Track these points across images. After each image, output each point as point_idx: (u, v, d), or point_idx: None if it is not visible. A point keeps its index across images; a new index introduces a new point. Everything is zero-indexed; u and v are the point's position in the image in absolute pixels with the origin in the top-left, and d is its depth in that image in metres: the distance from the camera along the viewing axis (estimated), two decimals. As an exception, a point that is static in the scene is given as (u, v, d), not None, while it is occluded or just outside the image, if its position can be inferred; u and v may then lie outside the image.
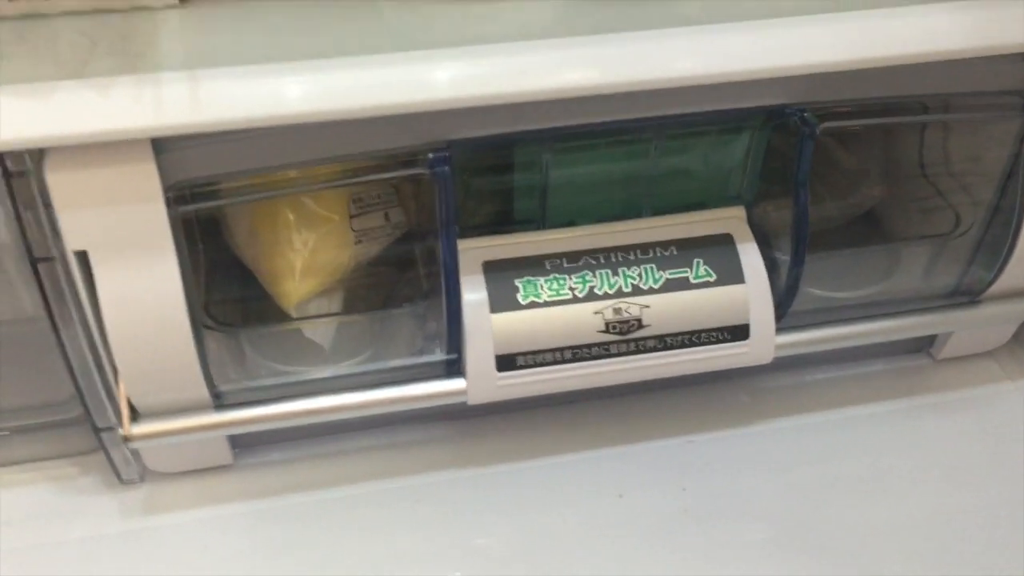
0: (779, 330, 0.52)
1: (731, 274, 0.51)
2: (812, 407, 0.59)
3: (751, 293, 0.51)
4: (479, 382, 0.50)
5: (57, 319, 0.45)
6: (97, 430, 0.49)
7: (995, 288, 0.55)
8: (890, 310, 0.55)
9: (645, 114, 0.46)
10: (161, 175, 0.41)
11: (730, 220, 0.52)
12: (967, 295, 0.56)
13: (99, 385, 0.48)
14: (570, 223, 0.52)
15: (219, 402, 0.49)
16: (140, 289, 0.44)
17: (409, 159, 0.45)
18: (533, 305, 0.49)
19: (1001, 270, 0.53)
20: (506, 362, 0.49)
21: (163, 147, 0.41)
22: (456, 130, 0.45)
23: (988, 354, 0.62)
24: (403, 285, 0.54)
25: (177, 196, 0.43)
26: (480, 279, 0.49)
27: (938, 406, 0.59)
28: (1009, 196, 0.52)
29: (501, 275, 0.49)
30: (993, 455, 0.56)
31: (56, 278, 0.44)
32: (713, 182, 0.52)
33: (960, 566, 0.50)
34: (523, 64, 0.42)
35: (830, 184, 0.59)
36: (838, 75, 0.46)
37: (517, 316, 0.49)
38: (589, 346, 0.50)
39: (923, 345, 0.61)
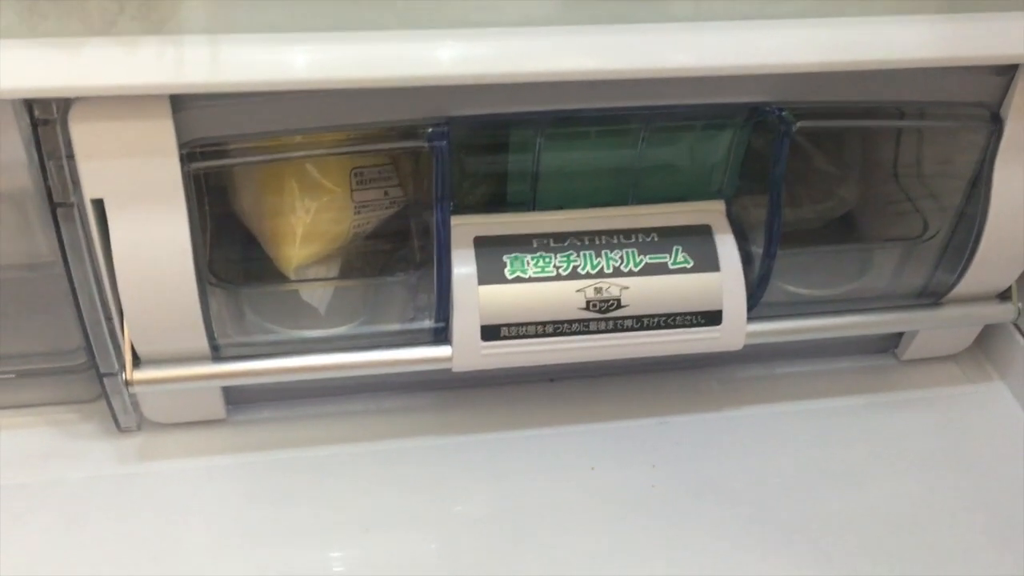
0: (750, 319, 0.55)
1: (707, 262, 0.53)
2: (780, 398, 0.61)
3: (725, 281, 0.53)
4: (464, 350, 0.52)
5: (71, 263, 0.48)
6: (100, 375, 0.52)
7: (957, 291, 0.58)
8: (860, 308, 0.58)
9: (634, 103, 0.49)
10: (177, 132, 0.44)
11: (710, 212, 0.55)
12: (932, 297, 0.59)
13: (105, 330, 0.50)
14: (559, 208, 0.55)
15: (217, 355, 0.52)
16: (151, 238, 0.46)
17: (410, 132, 0.48)
18: (519, 280, 0.52)
19: (963, 274, 0.56)
20: (490, 332, 0.52)
21: (180, 105, 0.44)
22: (456, 107, 0.48)
23: (950, 357, 0.64)
24: (397, 256, 0.57)
25: (191, 153, 0.45)
26: (470, 253, 0.52)
27: (900, 404, 0.62)
28: (973, 203, 0.55)
29: (490, 250, 0.52)
30: (951, 451, 0.59)
31: (73, 224, 0.46)
32: (696, 176, 0.55)
33: (916, 553, 0.53)
34: (523, 47, 0.45)
35: (807, 188, 0.62)
36: (816, 77, 0.49)
37: (503, 289, 0.52)
38: (570, 322, 0.52)
39: (888, 346, 0.64)
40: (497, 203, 0.54)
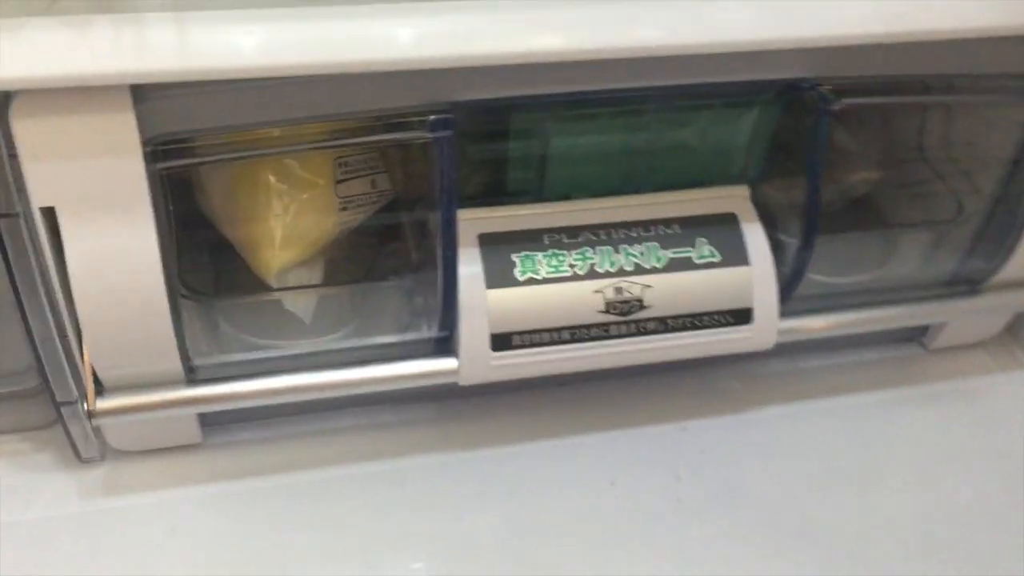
0: (781, 315, 0.50)
1: (736, 255, 0.49)
2: (804, 395, 0.58)
3: (756, 276, 0.49)
4: (472, 362, 0.47)
5: (18, 281, 0.41)
6: (57, 404, 0.46)
7: (998, 277, 0.54)
8: (890, 297, 0.54)
9: (654, 83, 0.44)
10: (140, 127, 0.38)
11: (734, 199, 0.50)
12: (967, 284, 0.55)
13: (62, 355, 0.44)
14: (566, 197, 0.49)
15: (192, 377, 0.46)
16: (113, 251, 0.40)
17: (406, 121, 0.42)
18: (531, 282, 0.47)
19: (1006, 259, 0.53)
20: (501, 341, 0.47)
21: (143, 96, 0.38)
22: (459, 91, 0.42)
23: (980, 345, 0.61)
24: (389, 257, 0.52)
25: (155, 151, 0.39)
26: (476, 252, 0.47)
27: (931, 396, 0.58)
28: (1016, 184, 0.51)
29: (498, 249, 0.47)
30: (985, 445, 0.56)
31: (19, 236, 0.40)
32: (717, 158, 0.50)
33: (953, 554, 0.50)
34: (530, 19, 0.40)
35: (831, 165, 0.57)
36: (852, 51, 0.45)
37: (514, 293, 0.47)
38: (588, 327, 0.47)
39: (916, 335, 0.61)
40: (497, 192, 0.49)
